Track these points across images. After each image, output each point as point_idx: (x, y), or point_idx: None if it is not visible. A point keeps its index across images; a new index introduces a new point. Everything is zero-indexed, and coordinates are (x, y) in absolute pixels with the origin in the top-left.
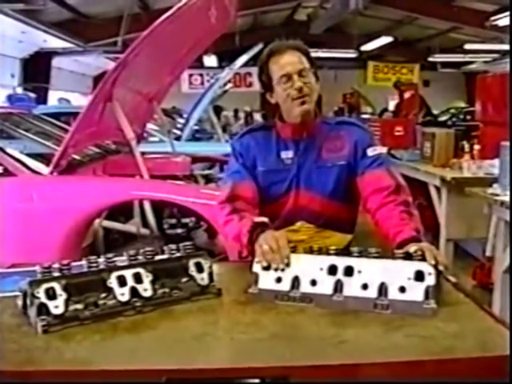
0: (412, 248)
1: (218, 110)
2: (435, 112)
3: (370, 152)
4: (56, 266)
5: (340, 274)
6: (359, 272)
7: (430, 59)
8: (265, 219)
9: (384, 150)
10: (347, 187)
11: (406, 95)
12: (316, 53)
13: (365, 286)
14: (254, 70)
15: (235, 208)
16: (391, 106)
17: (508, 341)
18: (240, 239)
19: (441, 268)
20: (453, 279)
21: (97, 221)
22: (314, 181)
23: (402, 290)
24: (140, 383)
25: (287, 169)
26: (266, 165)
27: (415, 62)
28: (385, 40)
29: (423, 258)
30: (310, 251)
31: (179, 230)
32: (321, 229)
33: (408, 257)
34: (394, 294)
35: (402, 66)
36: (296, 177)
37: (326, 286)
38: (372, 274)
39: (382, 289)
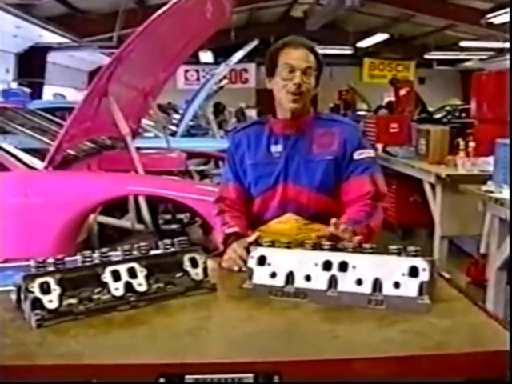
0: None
1: (218, 107)
2: (430, 109)
3: (357, 156)
4: (50, 260)
5: (335, 270)
6: (354, 267)
7: (426, 56)
8: (236, 229)
9: (372, 153)
10: (335, 182)
11: (402, 92)
12: None
13: (359, 282)
14: (250, 66)
15: (221, 209)
16: (384, 102)
17: (507, 337)
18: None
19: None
20: (447, 275)
21: (91, 216)
22: (302, 174)
23: (397, 285)
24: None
25: (275, 162)
26: (255, 158)
27: (411, 60)
28: (381, 37)
29: (417, 254)
30: (304, 246)
31: (174, 226)
32: (309, 221)
33: (402, 252)
34: (388, 289)
35: (397, 64)
36: (284, 170)
37: (320, 281)
38: (366, 269)
39: (377, 284)
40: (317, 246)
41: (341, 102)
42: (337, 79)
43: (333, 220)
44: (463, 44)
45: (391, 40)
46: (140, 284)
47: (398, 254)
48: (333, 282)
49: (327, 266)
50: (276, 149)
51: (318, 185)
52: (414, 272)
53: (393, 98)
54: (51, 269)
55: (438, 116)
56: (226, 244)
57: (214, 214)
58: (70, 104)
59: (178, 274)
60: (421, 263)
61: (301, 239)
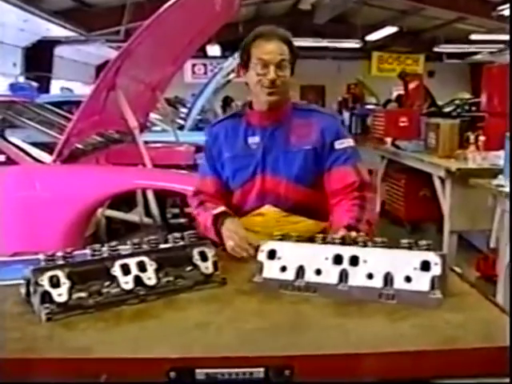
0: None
1: (227, 101)
2: (440, 103)
3: (338, 145)
4: (59, 254)
5: (345, 264)
6: (365, 261)
7: (436, 50)
8: (223, 208)
9: (352, 142)
10: (313, 172)
11: (411, 86)
12: (320, 43)
13: (370, 276)
14: None
15: (201, 200)
16: (393, 96)
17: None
18: (208, 231)
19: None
20: (458, 270)
21: (99, 210)
22: (280, 165)
23: (408, 279)
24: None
25: (253, 154)
26: (233, 151)
27: (420, 53)
28: (390, 30)
29: (429, 248)
30: (315, 240)
31: (182, 220)
32: (288, 213)
33: (414, 246)
34: (399, 283)
35: (406, 57)
36: (262, 161)
37: (331, 275)
38: (377, 263)
39: (388, 278)
40: (327, 240)
41: (349, 95)
42: (345, 73)
43: (341, 232)
44: (473, 37)
45: (400, 33)
46: (149, 278)
47: (410, 248)
48: (343, 276)
49: (338, 259)
50: (253, 140)
51: (296, 175)
52: (425, 266)
53: (402, 92)
54: (60, 262)
55: (447, 110)
56: (216, 226)
57: (194, 207)
58: (78, 98)
59: (188, 268)
60: (433, 257)
61: (278, 231)
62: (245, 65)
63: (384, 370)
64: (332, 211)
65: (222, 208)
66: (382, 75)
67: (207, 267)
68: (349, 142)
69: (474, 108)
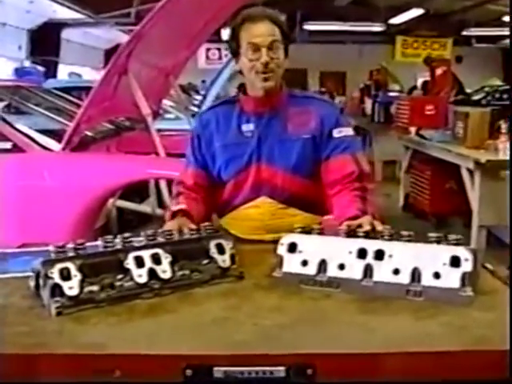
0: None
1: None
2: (468, 90)
3: (336, 134)
4: (70, 245)
5: (370, 258)
6: (390, 256)
7: (464, 33)
8: (183, 206)
9: (351, 131)
10: (312, 163)
11: (438, 72)
12: (340, 26)
13: (396, 271)
14: None
15: (178, 191)
16: (419, 83)
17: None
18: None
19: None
20: (490, 266)
21: (110, 201)
22: (276, 154)
23: (437, 276)
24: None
25: (247, 142)
26: (225, 139)
27: (447, 37)
28: (415, 13)
29: (458, 243)
30: (337, 234)
31: None
32: (284, 205)
33: (442, 241)
34: (427, 280)
35: (433, 41)
36: (257, 150)
37: (354, 270)
38: (404, 258)
39: (415, 274)
40: (351, 233)
41: (372, 82)
42: (367, 58)
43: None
44: (506, 19)
45: (426, 16)
46: (164, 271)
47: (438, 242)
48: (368, 271)
49: (362, 254)
50: (248, 128)
51: (293, 165)
52: (455, 262)
53: (428, 79)
54: (71, 254)
55: (476, 97)
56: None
57: (172, 197)
58: (87, 83)
59: (204, 261)
60: (463, 253)
61: (274, 225)
62: (235, 52)
63: (410, 370)
64: (332, 203)
65: (181, 206)
66: (406, 61)
67: (224, 260)
68: (348, 131)
69: (505, 96)
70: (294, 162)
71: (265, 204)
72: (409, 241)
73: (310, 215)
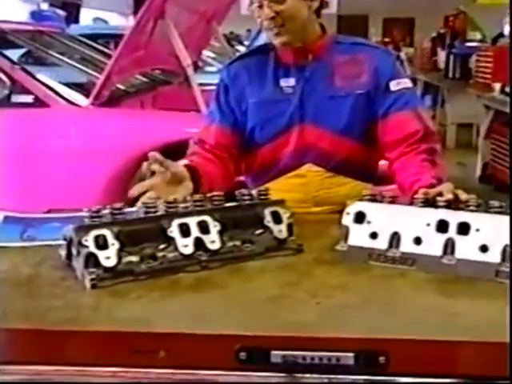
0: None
1: None
2: None
3: (393, 86)
4: (106, 210)
5: (452, 232)
6: (477, 230)
7: None
8: (186, 162)
9: (409, 83)
10: (365, 122)
11: None
12: None
13: (484, 248)
14: None
15: (193, 151)
16: (506, 30)
17: None
18: None
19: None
20: None
21: (145, 164)
22: (323, 113)
23: None
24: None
25: (287, 99)
26: (260, 95)
27: None
28: None
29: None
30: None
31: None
32: (332, 173)
33: None
34: None
35: None
36: (299, 109)
37: (433, 245)
38: (494, 233)
39: (506, 253)
40: (429, 203)
41: (447, 29)
42: (441, 1)
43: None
44: None
45: None
46: (213, 241)
47: None
48: (449, 246)
49: (442, 227)
50: (287, 83)
51: (344, 126)
52: None
53: None
54: (108, 220)
55: None
56: None
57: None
58: (116, 30)
59: (258, 231)
60: None
61: (321, 197)
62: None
63: (496, 362)
64: (393, 169)
65: (185, 161)
66: (491, 3)
67: (281, 231)
68: (406, 83)
69: None
70: (344, 123)
71: (310, 172)
72: (499, 213)
73: (360, 183)
